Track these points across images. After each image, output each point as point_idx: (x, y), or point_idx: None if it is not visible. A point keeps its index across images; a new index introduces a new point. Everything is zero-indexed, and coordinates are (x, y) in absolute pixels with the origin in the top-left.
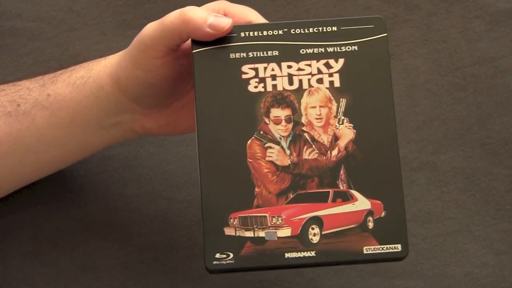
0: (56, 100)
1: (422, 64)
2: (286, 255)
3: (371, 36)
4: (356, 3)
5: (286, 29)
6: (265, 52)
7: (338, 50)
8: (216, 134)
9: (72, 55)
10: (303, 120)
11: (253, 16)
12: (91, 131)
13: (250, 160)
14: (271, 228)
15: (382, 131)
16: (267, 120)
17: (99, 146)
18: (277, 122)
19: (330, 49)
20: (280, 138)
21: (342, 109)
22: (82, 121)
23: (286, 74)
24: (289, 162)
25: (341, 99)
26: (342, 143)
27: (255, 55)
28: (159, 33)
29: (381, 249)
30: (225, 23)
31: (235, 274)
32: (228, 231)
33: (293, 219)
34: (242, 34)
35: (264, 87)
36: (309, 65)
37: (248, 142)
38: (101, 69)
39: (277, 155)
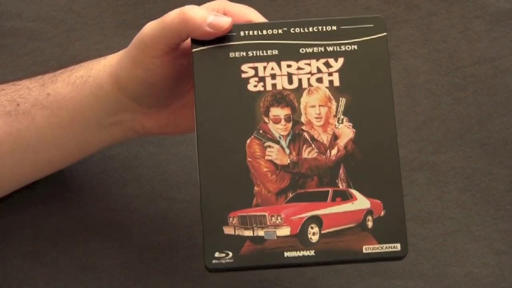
0: (56, 100)
1: (422, 64)
2: (286, 254)
3: (370, 36)
4: (356, 3)
5: (285, 28)
6: (264, 51)
7: (338, 49)
8: (215, 133)
9: (72, 55)
10: (303, 119)
11: (253, 15)
12: (91, 130)
13: (249, 159)
14: (270, 227)
15: (382, 130)
16: (266, 119)
17: (99, 145)
18: (277, 121)
19: (329, 49)
20: (280, 137)
21: (341, 108)
22: (82, 120)
23: (286, 73)
24: (289, 161)
25: (340, 99)
26: (341, 142)
27: (254, 54)
28: (159, 32)
29: (380, 248)
30: (225, 22)
31: (235, 274)
32: (228, 230)
33: (293, 218)
34: (242, 33)
35: (264, 86)
36: (309, 64)
37: (248, 141)
38: (101, 68)
39: (277, 154)
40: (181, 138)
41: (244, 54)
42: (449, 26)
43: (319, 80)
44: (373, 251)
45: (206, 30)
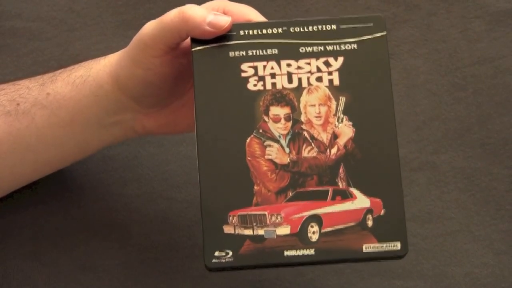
0: (55, 99)
1: (422, 64)
2: (286, 253)
3: (370, 35)
4: (356, 3)
5: (285, 28)
6: (264, 51)
7: (338, 48)
8: (215, 132)
9: (72, 55)
10: (303, 118)
11: (253, 15)
12: (90, 130)
13: (249, 158)
14: (270, 226)
15: (382, 129)
16: (266, 118)
17: (98, 145)
18: (276, 120)
19: (329, 48)
20: (279, 136)
21: (341, 107)
22: (81, 120)
23: (286, 73)
24: (288, 160)
25: (340, 98)
26: (341, 141)
27: (254, 54)
28: (158, 32)
29: (380, 247)
30: (224, 21)
31: (235, 274)
32: (227, 229)
33: (292, 217)
34: (242, 33)
35: (264, 85)
36: (309, 64)
37: (247, 140)
38: (101, 68)
39: (276, 153)
40: (181, 138)
41: (244, 53)
42: (449, 26)
43: (319, 79)
44: (373, 250)
45: (205, 29)
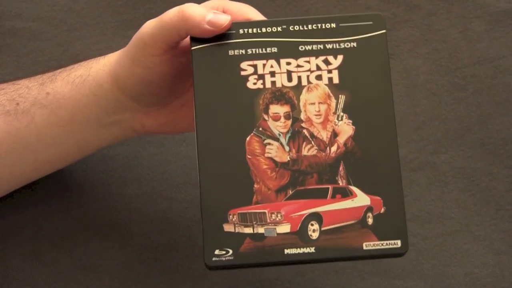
0: (55, 99)
1: (422, 64)
2: (286, 251)
3: (370, 33)
4: (356, 3)
5: (285, 26)
6: (264, 49)
7: (337, 46)
8: (215, 131)
9: (72, 55)
10: (302, 116)
11: (252, 14)
12: (90, 129)
13: (249, 156)
14: (270, 224)
15: (381, 127)
16: (266, 117)
17: (98, 144)
18: (276, 118)
19: (329, 46)
20: (279, 135)
21: (341, 105)
22: (81, 119)
23: (285, 71)
24: (288, 159)
25: (340, 96)
26: (341, 139)
27: (254, 52)
28: (158, 30)
29: (380, 245)
30: (224, 19)
31: (235, 274)
32: (227, 228)
33: (293, 215)
34: (241, 31)
35: (263, 83)
36: (308, 62)
37: (247, 139)
38: (100, 67)
39: (276, 151)
40: (181, 138)
41: (244, 52)
42: (449, 26)
43: (319, 78)
44: (374, 247)
45: (205, 28)
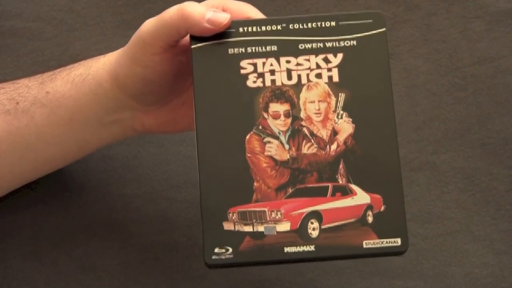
0: (55, 98)
1: (422, 64)
2: (286, 249)
3: (370, 31)
4: (356, 3)
5: (284, 24)
6: (263, 47)
7: (337, 45)
8: (215, 129)
9: (72, 55)
10: (302, 115)
11: (252, 12)
12: (90, 128)
13: (249, 155)
14: (270, 222)
15: (381, 125)
16: (266, 115)
17: (98, 144)
18: (276, 117)
19: (328, 44)
20: (279, 133)
21: (341, 103)
22: (81, 118)
23: (285, 69)
24: (288, 157)
25: (340, 94)
26: (341, 137)
27: (253, 50)
28: (157, 29)
29: (380, 243)
30: (224, 18)
31: (235, 274)
32: (227, 226)
33: (292, 214)
34: (241, 30)
35: (263, 82)
36: (308, 60)
37: (247, 137)
38: (100, 66)
39: (276, 149)
40: (181, 138)
41: (243, 50)
42: (449, 26)
43: (318, 76)
44: (374, 246)
45: (205, 27)
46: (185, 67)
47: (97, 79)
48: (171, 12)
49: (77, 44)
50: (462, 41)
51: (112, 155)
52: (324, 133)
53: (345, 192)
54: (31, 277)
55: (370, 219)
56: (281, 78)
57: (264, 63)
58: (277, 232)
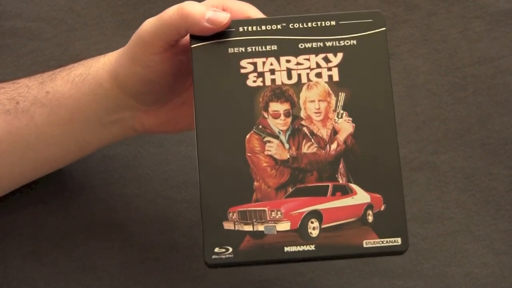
0: (55, 98)
1: (422, 64)
2: (286, 249)
3: (370, 30)
4: (356, 3)
5: (284, 24)
6: (263, 47)
7: (337, 44)
8: (215, 129)
9: (72, 55)
10: (302, 114)
11: (252, 12)
12: (90, 128)
13: (249, 154)
14: (270, 222)
15: (381, 125)
16: (266, 115)
17: (98, 143)
18: (276, 116)
19: (328, 44)
20: (279, 132)
21: (341, 103)
22: (81, 118)
23: (285, 69)
24: (288, 156)
25: (340, 93)
26: (341, 137)
27: (253, 50)
28: (157, 29)
29: (381, 242)
30: (224, 17)
31: (235, 273)
32: (227, 226)
33: (292, 213)
34: (241, 29)
35: (263, 81)
36: (308, 60)
37: (247, 137)
38: (100, 66)
39: (276, 149)
40: (181, 138)
41: (243, 49)
42: (449, 26)
43: (318, 75)
44: (374, 245)
45: (205, 26)
46: (185, 66)
47: (97, 79)
48: (171, 12)
49: (77, 44)
50: (462, 41)
51: (112, 155)
52: (324, 133)
53: (345, 191)
54: (31, 277)
55: (370, 218)
56: (281, 78)
57: (264, 63)
58: (277, 231)
